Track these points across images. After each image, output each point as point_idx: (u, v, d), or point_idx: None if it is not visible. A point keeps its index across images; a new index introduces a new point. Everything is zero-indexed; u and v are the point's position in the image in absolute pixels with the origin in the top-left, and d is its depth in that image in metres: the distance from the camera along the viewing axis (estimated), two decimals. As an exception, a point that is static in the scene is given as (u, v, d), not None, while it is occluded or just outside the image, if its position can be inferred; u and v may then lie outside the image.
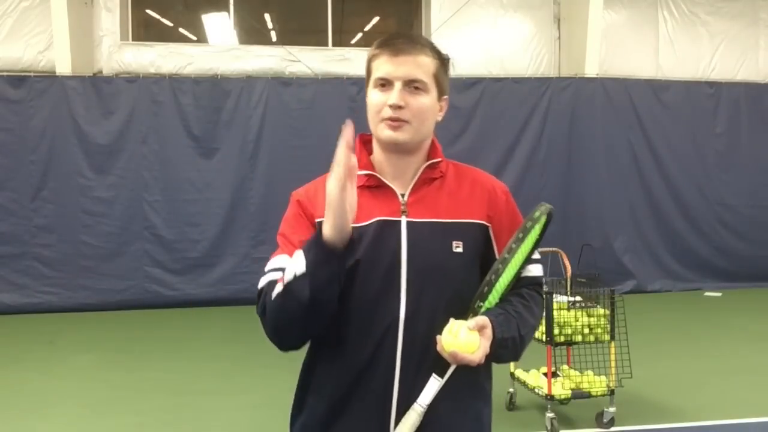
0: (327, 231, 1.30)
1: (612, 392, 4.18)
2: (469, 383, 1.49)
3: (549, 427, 4.08)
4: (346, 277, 1.36)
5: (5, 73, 8.60)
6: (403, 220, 1.47)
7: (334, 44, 9.74)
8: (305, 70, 9.27)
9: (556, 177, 9.39)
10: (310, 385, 1.53)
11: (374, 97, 1.48)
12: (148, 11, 9.79)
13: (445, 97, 1.57)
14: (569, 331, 4.13)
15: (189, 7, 9.93)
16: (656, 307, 8.45)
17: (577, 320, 4.13)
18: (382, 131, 1.47)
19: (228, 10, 9.65)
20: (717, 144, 9.84)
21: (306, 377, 1.56)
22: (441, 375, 1.40)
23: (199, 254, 8.77)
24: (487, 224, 1.53)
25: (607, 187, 9.44)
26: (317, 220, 1.45)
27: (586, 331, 4.15)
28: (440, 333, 1.38)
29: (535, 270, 1.59)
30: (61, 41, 8.47)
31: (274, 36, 10.00)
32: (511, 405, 4.59)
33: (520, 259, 1.48)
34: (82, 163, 8.60)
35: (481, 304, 1.43)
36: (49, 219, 8.54)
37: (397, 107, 1.44)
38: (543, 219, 1.51)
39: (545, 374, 4.28)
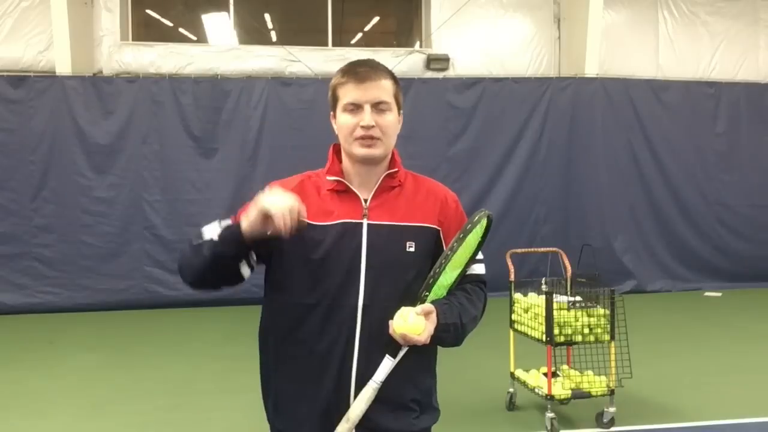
0: (244, 225, 1.57)
1: (612, 392, 4.17)
2: (417, 362, 1.69)
3: (549, 427, 4.08)
4: (313, 269, 1.62)
5: (5, 73, 8.60)
6: (365, 222, 1.67)
7: (334, 44, 9.75)
8: (305, 70, 9.27)
9: (556, 177, 9.39)
10: (277, 367, 1.72)
11: (345, 120, 1.68)
12: (148, 11, 9.79)
13: (401, 111, 1.78)
14: (569, 331, 4.13)
15: (189, 7, 9.93)
16: (656, 307, 8.45)
17: (577, 320, 4.13)
18: (357, 149, 1.67)
19: (228, 10, 9.65)
20: (717, 144, 9.84)
21: (272, 361, 1.74)
22: (394, 356, 1.62)
23: (199, 254, 8.76)
24: (438, 228, 1.73)
25: (607, 187, 9.44)
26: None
27: (586, 331, 4.15)
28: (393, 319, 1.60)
29: (479, 269, 1.80)
30: (61, 41, 8.47)
31: (274, 36, 10.01)
32: (511, 405, 4.59)
33: (463, 256, 1.68)
34: (82, 163, 8.61)
35: (427, 293, 1.65)
36: (49, 219, 8.54)
37: (369, 127, 1.64)
38: (483, 222, 1.69)
39: (545, 374, 4.28)
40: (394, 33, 11.00)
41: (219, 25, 9.72)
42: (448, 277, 1.68)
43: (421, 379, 1.73)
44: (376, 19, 10.55)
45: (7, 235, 8.46)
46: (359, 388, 1.61)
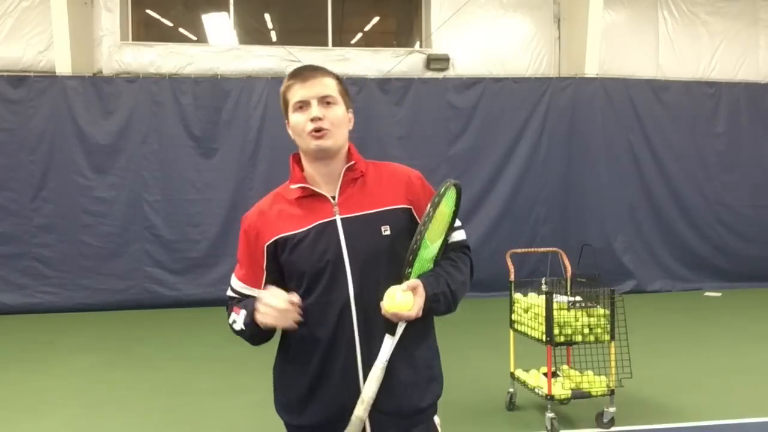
0: (258, 319, 1.69)
1: (612, 392, 4.17)
2: (414, 338, 1.76)
3: (549, 427, 4.07)
4: (304, 274, 1.74)
5: (5, 73, 8.60)
6: (338, 218, 1.76)
7: (334, 44, 9.74)
8: (305, 70, 9.27)
9: (556, 177, 9.39)
10: (285, 369, 1.82)
11: (296, 118, 1.77)
12: (148, 11, 9.80)
13: (351, 110, 1.85)
14: (569, 331, 4.12)
15: (189, 7, 9.93)
16: (656, 307, 8.45)
17: (577, 320, 4.13)
18: (309, 143, 1.75)
19: (228, 10, 9.65)
20: (717, 144, 9.84)
21: (281, 363, 1.86)
22: (392, 334, 1.68)
23: (199, 254, 8.77)
24: (409, 207, 1.81)
25: (607, 187, 9.44)
26: (265, 244, 1.78)
27: (586, 331, 4.15)
28: None
29: (459, 235, 1.89)
30: (61, 41, 8.47)
31: (274, 36, 10.01)
32: (511, 405, 4.59)
33: (439, 228, 1.75)
34: (82, 163, 8.61)
35: (410, 270, 1.70)
36: (49, 219, 8.54)
37: (317, 119, 1.73)
38: (451, 191, 1.76)
39: (545, 374, 4.28)
40: (394, 33, 11.00)
41: (219, 25, 9.72)
42: (429, 250, 1.75)
43: (419, 353, 1.79)
44: (376, 19, 10.55)
45: (7, 235, 8.46)
46: (367, 371, 1.68)
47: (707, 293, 9.39)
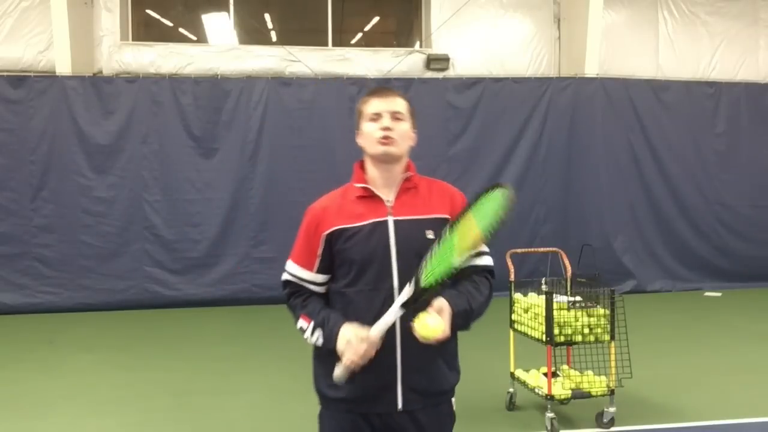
0: (339, 346, 1.88)
1: (612, 392, 4.17)
2: (441, 351, 1.98)
3: (549, 427, 4.08)
4: (355, 264, 1.98)
5: (5, 73, 8.60)
6: (390, 219, 2.01)
7: (334, 44, 9.74)
8: (305, 70, 9.27)
9: (556, 177, 9.39)
10: (331, 351, 1.93)
11: (369, 127, 2.04)
12: (148, 11, 9.80)
13: (415, 129, 2.13)
14: (569, 331, 4.12)
15: (189, 7, 9.93)
16: (656, 307, 8.45)
17: (577, 320, 4.13)
18: (377, 148, 2.02)
19: (228, 10, 9.65)
20: (717, 144, 9.84)
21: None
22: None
23: (199, 254, 8.77)
24: (449, 217, 2.02)
25: (607, 187, 9.44)
26: (324, 232, 2.01)
27: (586, 331, 4.15)
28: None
29: (484, 260, 2.08)
30: (61, 41, 8.47)
31: (274, 36, 10.01)
32: (511, 405, 4.59)
33: (450, 248, 1.88)
34: (82, 163, 8.61)
35: (419, 276, 1.85)
36: (49, 219, 8.54)
37: (387, 129, 2.01)
38: (494, 193, 1.90)
39: (545, 374, 4.28)
40: (394, 33, 11.00)
41: (219, 25, 9.72)
42: (453, 250, 1.88)
43: (448, 346, 2.00)
44: (376, 19, 10.55)
45: (7, 235, 8.47)
46: (404, 353, 1.95)
47: (707, 293, 9.39)
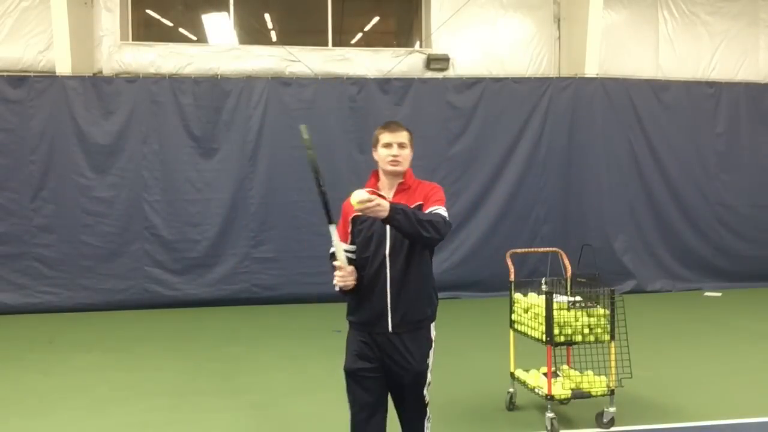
0: (336, 283, 2.91)
1: (612, 392, 4.17)
2: (419, 263, 2.89)
3: (549, 427, 4.08)
4: (364, 240, 2.90)
5: (5, 73, 8.60)
6: None
7: (334, 44, 9.74)
8: (305, 70, 9.27)
9: (556, 177, 9.40)
10: (353, 295, 2.93)
11: (383, 152, 2.94)
12: (148, 11, 9.79)
13: (412, 150, 3.01)
14: (569, 331, 4.12)
15: (189, 7, 9.93)
16: (656, 307, 8.45)
17: (577, 320, 4.13)
18: (388, 167, 2.94)
19: (228, 10, 9.65)
20: (717, 144, 9.85)
21: (352, 294, 2.93)
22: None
23: (199, 254, 8.77)
24: (423, 203, 2.92)
25: (607, 187, 9.44)
26: (349, 217, 2.95)
27: (586, 331, 4.15)
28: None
29: (437, 210, 2.86)
30: (61, 41, 8.47)
31: (274, 36, 10.01)
32: (511, 405, 4.59)
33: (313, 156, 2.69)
34: (82, 163, 8.61)
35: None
36: (49, 219, 8.55)
37: (395, 155, 2.92)
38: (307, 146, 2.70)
39: (545, 374, 4.28)
40: (394, 33, 11.00)
41: (219, 25, 9.72)
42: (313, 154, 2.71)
43: (422, 288, 2.92)
44: (376, 19, 10.55)
45: (7, 235, 8.47)
46: (393, 294, 2.84)
47: (707, 293, 9.39)
